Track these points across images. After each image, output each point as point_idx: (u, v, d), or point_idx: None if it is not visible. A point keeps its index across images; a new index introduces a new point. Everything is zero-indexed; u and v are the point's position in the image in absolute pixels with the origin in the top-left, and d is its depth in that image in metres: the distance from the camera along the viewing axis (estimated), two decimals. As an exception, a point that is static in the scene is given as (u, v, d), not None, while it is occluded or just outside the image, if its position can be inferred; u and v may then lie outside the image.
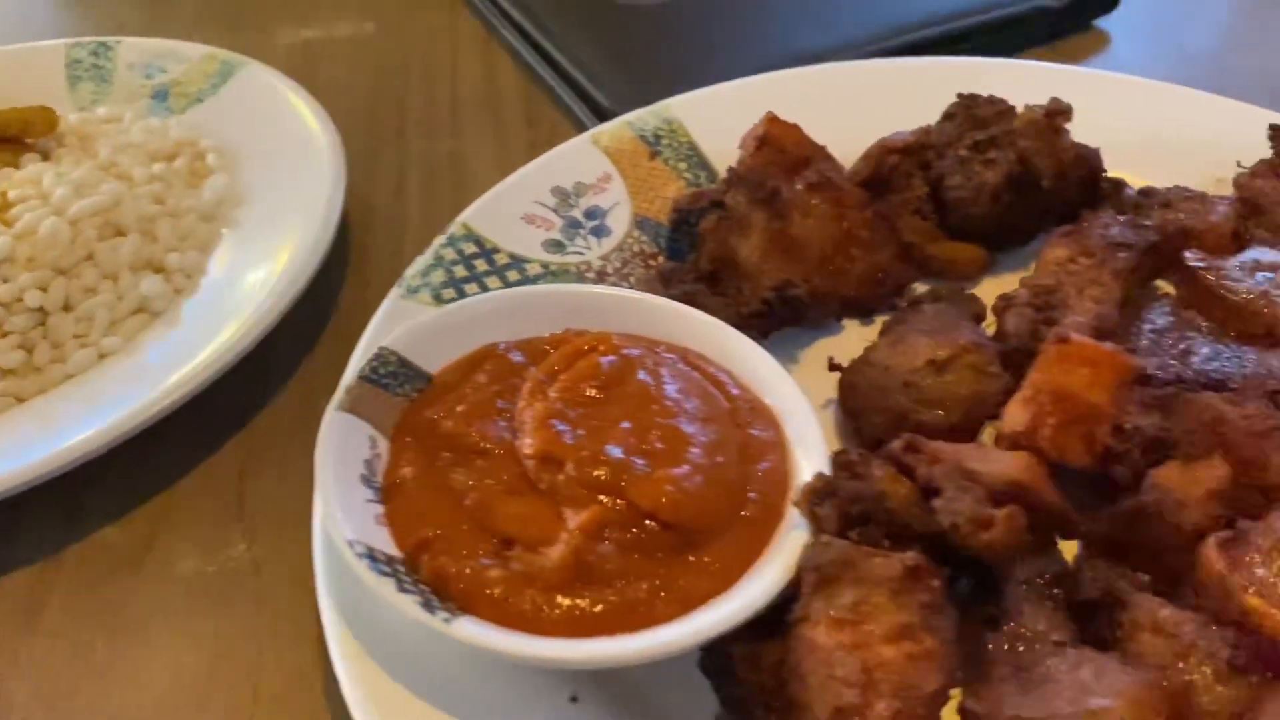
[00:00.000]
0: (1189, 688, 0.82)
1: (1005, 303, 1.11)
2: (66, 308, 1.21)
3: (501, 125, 1.59)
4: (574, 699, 0.87)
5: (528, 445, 0.92)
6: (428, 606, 0.82)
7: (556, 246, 1.24)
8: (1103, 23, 1.70)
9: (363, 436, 0.94)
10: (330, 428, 0.93)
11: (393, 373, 0.99)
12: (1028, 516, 0.91)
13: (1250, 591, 0.85)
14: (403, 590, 0.82)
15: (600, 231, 1.27)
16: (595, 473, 0.89)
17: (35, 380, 1.16)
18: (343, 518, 0.86)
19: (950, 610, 0.82)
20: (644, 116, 1.39)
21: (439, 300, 1.14)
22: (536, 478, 0.90)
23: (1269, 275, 1.14)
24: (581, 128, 1.49)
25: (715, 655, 0.82)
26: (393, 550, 0.87)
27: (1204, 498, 0.91)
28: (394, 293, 1.15)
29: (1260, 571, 0.86)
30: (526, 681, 0.87)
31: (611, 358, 0.99)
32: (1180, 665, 0.83)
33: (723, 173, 1.28)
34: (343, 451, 0.92)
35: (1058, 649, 0.84)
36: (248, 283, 1.23)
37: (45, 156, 1.40)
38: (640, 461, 0.90)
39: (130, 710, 0.96)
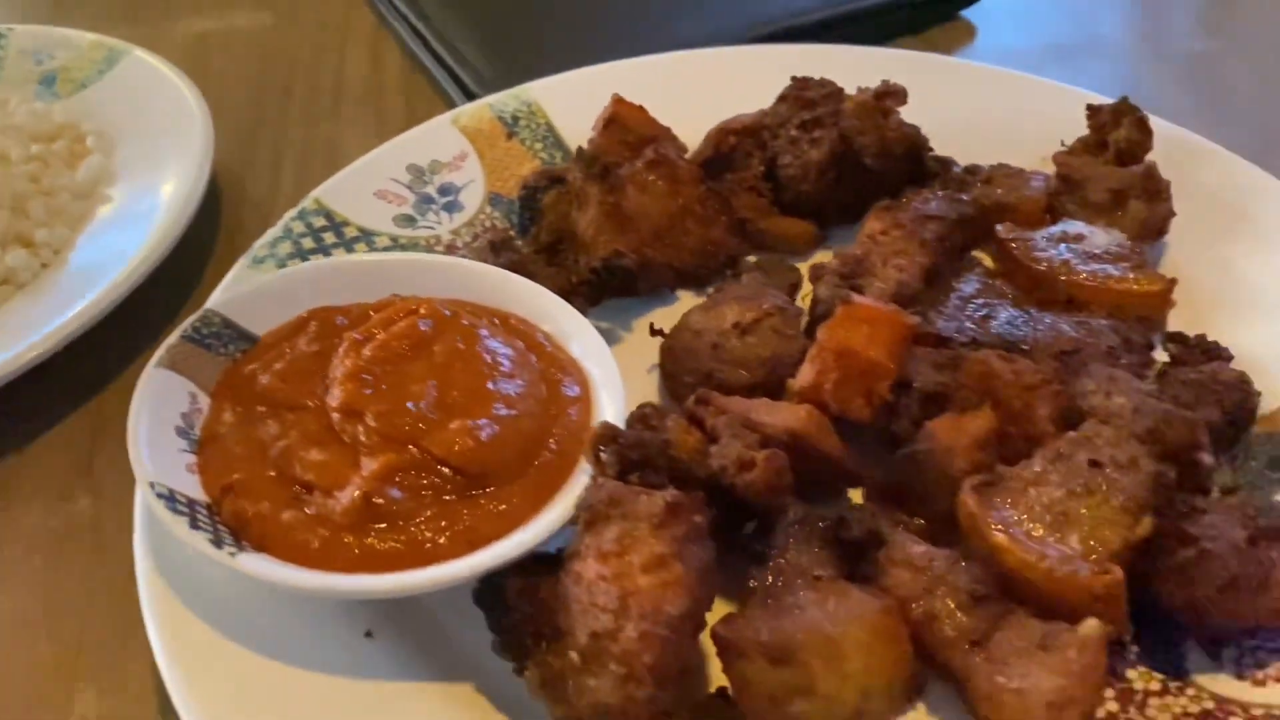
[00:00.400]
0: (932, 616, 0.88)
1: (818, 272, 1.16)
2: (-71, 279, 1.26)
3: (382, 113, 1.64)
4: (369, 634, 0.93)
5: (333, 398, 0.97)
6: (216, 543, 0.87)
7: (408, 221, 1.30)
8: (969, 14, 1.77)
9: (182, 392, 1.00)
10: (147, 382, 0.98)
11: (216, 333, 1.04)
12: (809, 465, 0.97)
13: (997, 530, 0.91)
14: (195, 528, 0.88)
15: (452, 207, 1.33)
16: (397, 422, 0.95)
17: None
18: (147, 461, 0.92)
19: (709, 543, 0.87)
20: (504, 99, 1.44)
21: (283, 270, 1.19)
22: (340, 429, 0.96)
23: (1073, 246, 1.20)
24: (457, 113, 1.54)
25: (489, 587, 0.87)
26: (199, 495, 0.93)
27: (970, 446, 0.98)
28: (241, 262, 1.21)
29: (1009, 512, 0.92)
30: (324, 619, 0.93)
31: (429, 320, 1.04)
32: (927, 597, 0.89)
33: (577, 153, 1.34)
34: (158, 404, 0.97)
35: (815, 583, 0.90)
36: (113, 256, 1.28)
37: (-72, 139, 1.45)
38: (437, 414, 0.96)
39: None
